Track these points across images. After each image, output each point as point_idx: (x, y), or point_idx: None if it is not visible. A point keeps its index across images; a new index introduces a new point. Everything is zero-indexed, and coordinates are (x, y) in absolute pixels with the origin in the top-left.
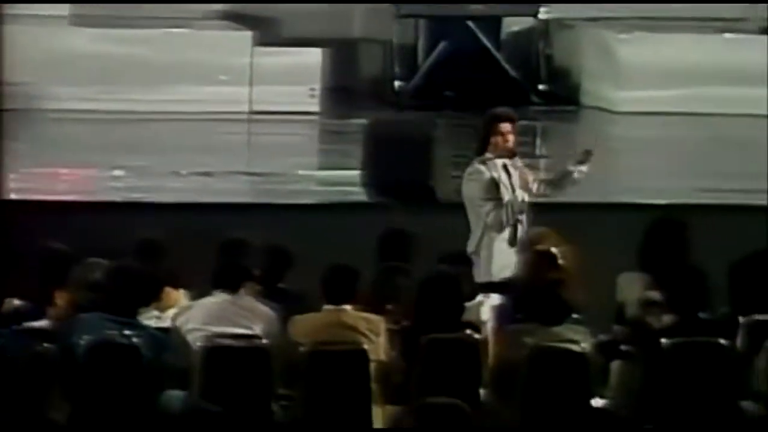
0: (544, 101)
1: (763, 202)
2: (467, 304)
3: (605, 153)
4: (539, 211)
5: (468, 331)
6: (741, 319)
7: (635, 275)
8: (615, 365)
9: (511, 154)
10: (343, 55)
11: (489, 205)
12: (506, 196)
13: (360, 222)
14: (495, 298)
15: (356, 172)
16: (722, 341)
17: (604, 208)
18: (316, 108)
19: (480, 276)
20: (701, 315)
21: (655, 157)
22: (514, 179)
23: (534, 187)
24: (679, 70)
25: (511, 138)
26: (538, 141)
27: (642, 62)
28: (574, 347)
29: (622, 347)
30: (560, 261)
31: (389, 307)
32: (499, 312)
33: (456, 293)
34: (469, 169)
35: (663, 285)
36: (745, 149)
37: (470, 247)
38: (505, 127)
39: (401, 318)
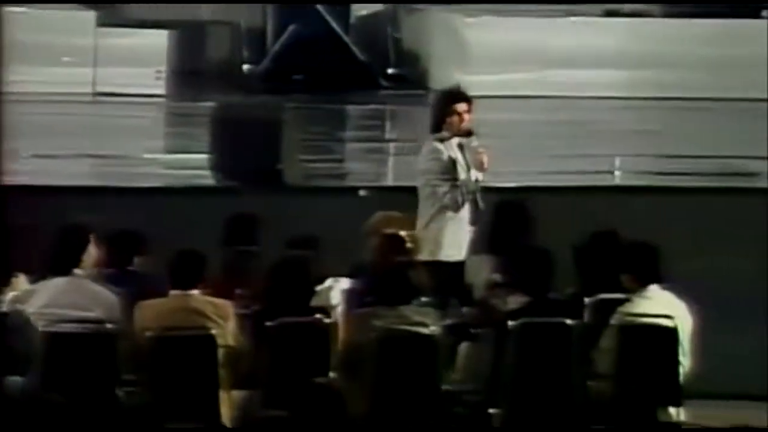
0: (393, 85)
1: (611, 183)
2: (317, 288)
3: None
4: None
5: (317, 315)
6: (587, 299)
7: (483, 257)
8: (463, 347)
9: (466, 133)
10: (190, 37)
11: (446, 186)
12: (462, 175)
13: (208, 206)
14: (344, 282)
15: (204, 156)
16: (569, 321)
17: None
18: (162, 90)
19: (426, 254)
20: (548, 296)
21: (504, 140)
22: (469, 158)
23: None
24: (527, 54)
25: (467, 117)
26: (388, 125)
27: (490, 46)
28: (423, 330)
29: (470, 329)
30: (408, 244)
31: (238, 291)
32: (349, 295)
33: (305, 277)
34: (427, 148)
35: (510, 267)
36: (591, 131)
37: (419, 226)
38: (462, 106)
39: (250, 302)
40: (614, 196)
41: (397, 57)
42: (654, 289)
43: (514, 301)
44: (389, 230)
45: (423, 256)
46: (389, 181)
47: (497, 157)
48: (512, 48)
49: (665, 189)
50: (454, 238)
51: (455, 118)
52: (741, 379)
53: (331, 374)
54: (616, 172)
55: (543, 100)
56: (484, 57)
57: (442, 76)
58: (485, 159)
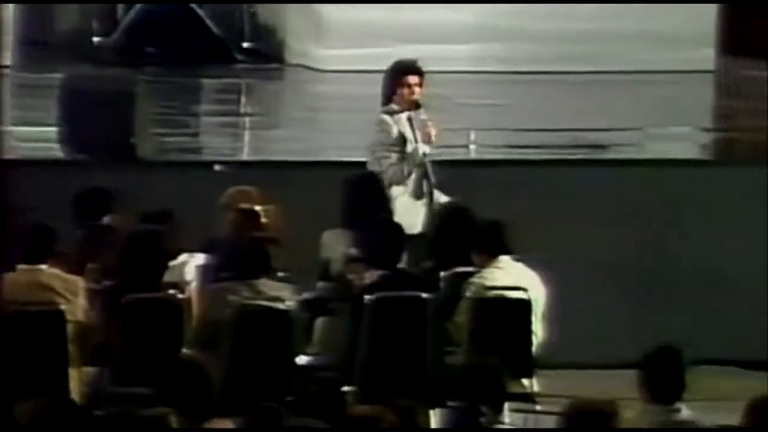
0: (248, 59)
1: (466, 156)
2: (170, 263)
3: (310, 111)
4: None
5: (171, 291)
6: (442, 273)
7: (338, 232)
8: (319, 322)
9: (415, 106)
10: (38, 7)
11: (392, 158)
12: (409, 148)
13: (57, 180)
14: (199, 257)
15: (53, 129)
16: (424, 295)
17: (310, 166)
18: (8, 61)
19: None
20: (404, 270)
21: (359, 115)
22: (417, 132)
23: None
24: (382, 28)
25: (417, 90)
26: (243, 99)
27: (345, 20)
28: (279, 304)
29: (327, 304)
30: (263, 219)
31: (89, 266)
32: (203, 271)
33: (158, 252)
34: (377, 120)
35: (365, 241)
36: (446, 105)
37: None
38: (413, 79)
39: (102, 278)
40: (469, 169)
41: (251, 31)
42: (507, 262)
43: (370, 276)
44: (244, 205)
45: None
46: (245, 156)
47: (351, 131)
48: (367, 22)
49: (519, 162)
50: (402, 211)
51: (405, 91)
52: (590, 349)
53: (185, 350)
54: (471, 146)
55: None
56: (340, 31)
57: (298, 50)
58: (433, 132)
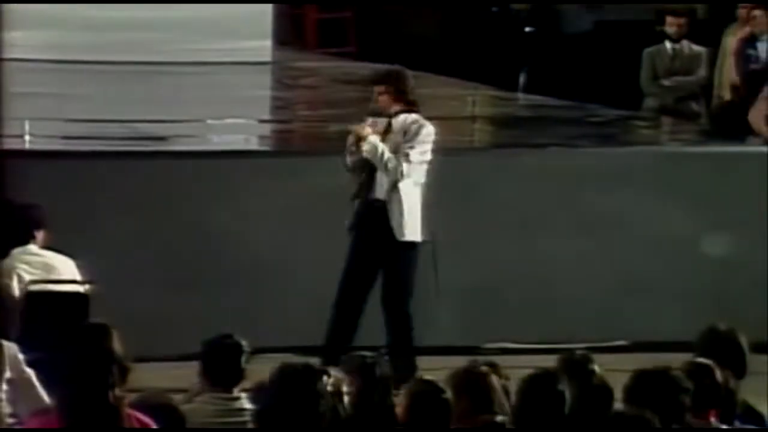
0: None
1: (22, 147)
2: None
3: None
4: None
5: None
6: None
7: None
8: None
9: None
10: None
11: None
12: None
13: None
14: None
15: None
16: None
17: None
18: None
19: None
20: None
21: None
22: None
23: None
24: None
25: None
26: None
27: None
28: None
29: None
30: None
31: None
32: None
33: None
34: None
35: None
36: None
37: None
38: (379, 88)
39: None
40: (25, 160)
41: None
42: (34, 249)
43: None
44: None
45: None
46: None
47: None
48: None
49: (76, 154)
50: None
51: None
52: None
53: None
54: (26, 137)
55: None
56: None
57: None
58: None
